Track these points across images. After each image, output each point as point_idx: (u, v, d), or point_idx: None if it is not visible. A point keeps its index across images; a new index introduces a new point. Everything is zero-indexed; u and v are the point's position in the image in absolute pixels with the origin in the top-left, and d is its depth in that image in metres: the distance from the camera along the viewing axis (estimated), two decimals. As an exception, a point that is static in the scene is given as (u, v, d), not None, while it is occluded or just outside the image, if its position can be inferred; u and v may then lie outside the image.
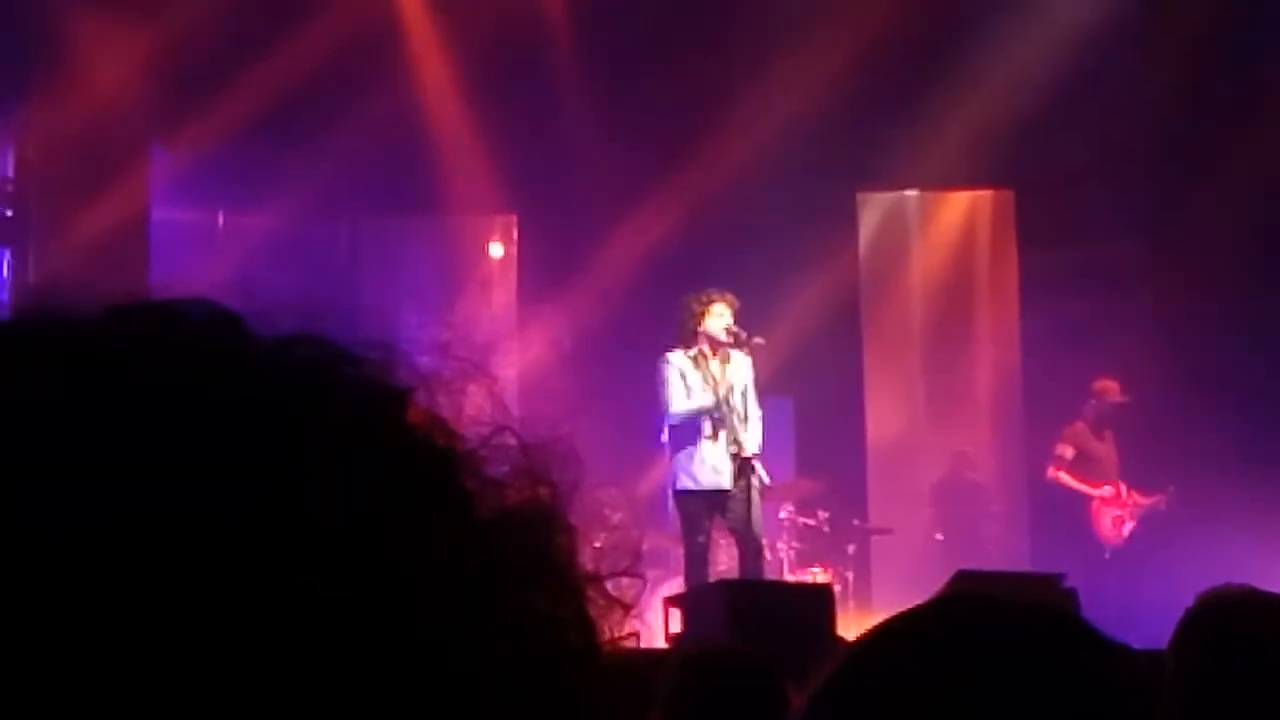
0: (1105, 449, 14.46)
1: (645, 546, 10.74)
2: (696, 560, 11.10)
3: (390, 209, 15.63)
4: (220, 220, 15.72)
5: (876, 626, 1.55)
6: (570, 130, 14.82)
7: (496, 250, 17.08)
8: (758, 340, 11.23)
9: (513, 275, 16.43)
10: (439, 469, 0.76)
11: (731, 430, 11.10)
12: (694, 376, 11.21)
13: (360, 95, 14.35)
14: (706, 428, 11.13)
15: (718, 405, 11.12)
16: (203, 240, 15.24)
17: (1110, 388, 14.29)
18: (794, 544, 13.70)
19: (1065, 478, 14.44)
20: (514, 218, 16.44)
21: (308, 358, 0.76)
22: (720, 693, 4.05)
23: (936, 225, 17.42)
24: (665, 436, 11.38)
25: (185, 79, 14.07)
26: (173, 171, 14.75)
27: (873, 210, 17.04)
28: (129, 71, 14.01)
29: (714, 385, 11.16)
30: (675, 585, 11.00)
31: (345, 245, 14.95)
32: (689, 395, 11.18)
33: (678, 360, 11.22)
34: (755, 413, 11.29)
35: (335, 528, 0.71)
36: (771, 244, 14.54)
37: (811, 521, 13.91)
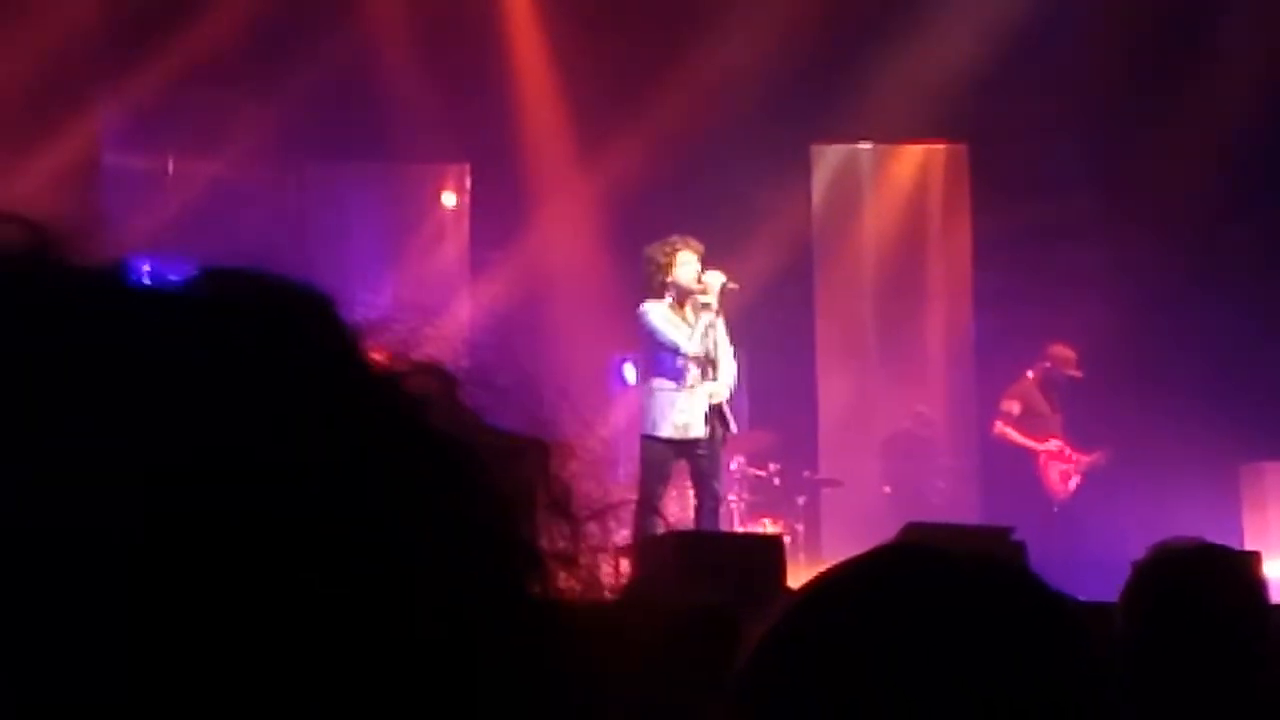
0: (1050, 406, 14.49)
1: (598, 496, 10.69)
2: (649, 508, 11.02)
3: (341, 157, 15.53)
4: (170, 167, 15.59)
5: (821, 574, 1.55)
6: (524, 81, 14.74)
7: (449, 199, 17.00)
8: (731, 286, 11.17)
9: (465, 225, 16.38)
10: (442, 445, 0.73)
11: (708, 378, 11.08)
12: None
13: (311, 41, 14.24)
14: (686, 375, 11.09)
15: (705, 353, 11.08)
16: (154, 187, 15.11)
17: (1068, 358, 14.19)
18: (745, 495, 13.73)
19: (1010, 433, 14.46)
20: (466, 167, 16.37)
21: (288, 316, 0.73)
22: (683, 645, 4.06)
23: (890, 179, 17.41)
24: (633, 379, 11.23)
25: (136, 25, 13.94)
26: (123, 117, 14.62)
27: (826, 163, 17.01)
28: (79, 17, 13.88)
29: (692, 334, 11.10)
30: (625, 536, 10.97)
31: (295, 193, 14.84)
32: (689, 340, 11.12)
33: (657, 308, 11.16)
34: (728, 353, 11.23)
35: (360, 526, 0.69)
36: (725, 196, 14.51)
37: (762, 473, 13.95)
